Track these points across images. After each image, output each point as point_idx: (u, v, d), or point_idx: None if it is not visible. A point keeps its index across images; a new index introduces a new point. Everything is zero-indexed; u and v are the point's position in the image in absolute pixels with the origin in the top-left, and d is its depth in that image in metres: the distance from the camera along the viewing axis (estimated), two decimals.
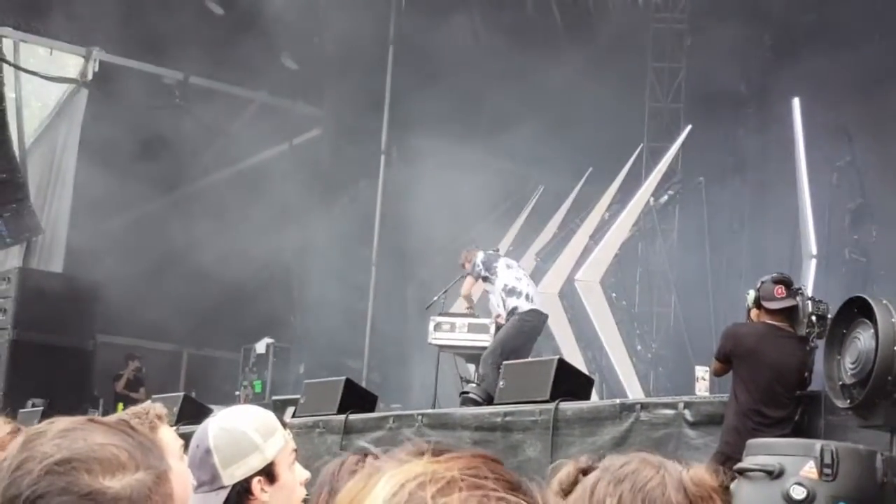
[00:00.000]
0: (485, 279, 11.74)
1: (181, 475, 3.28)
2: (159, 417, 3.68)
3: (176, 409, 11.60)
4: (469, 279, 12.05)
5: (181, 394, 12.59)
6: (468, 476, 1.23)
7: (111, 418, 1.69)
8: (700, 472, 1.73)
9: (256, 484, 2.96)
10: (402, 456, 1.29)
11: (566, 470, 1.76)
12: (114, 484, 1.55)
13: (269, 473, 2.99)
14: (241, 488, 2.94)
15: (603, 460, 1.79)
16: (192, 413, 11.73)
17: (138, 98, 17.19)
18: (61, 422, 1.63)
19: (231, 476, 2.94)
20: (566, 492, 1.74)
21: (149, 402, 4.04)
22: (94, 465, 1.55)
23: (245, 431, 3.02)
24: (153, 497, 1.59)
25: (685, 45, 18.35)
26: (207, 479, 2.94)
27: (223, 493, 2.93)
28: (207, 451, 2.95)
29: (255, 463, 2.98)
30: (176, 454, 3.45)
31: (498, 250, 12.68)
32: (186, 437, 10.01)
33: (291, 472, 3.06)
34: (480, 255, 11.74)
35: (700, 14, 17.92)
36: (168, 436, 3.57)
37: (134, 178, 16.65)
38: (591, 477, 1.73)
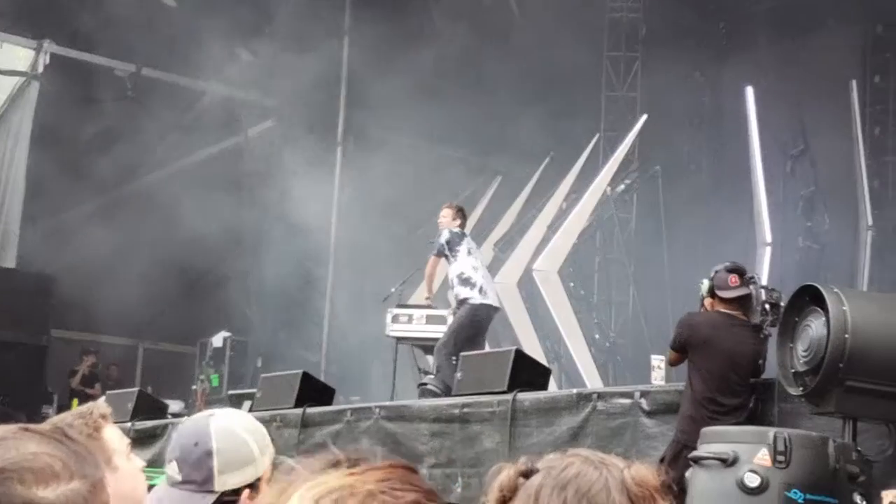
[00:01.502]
0: (445, 257, 11.62)
1: (131, 475, 3.23)
2: (103, 417, 3.61)
3: (131, 405, 11.54)
4: (433, 258, 11.90)
5: (136, 389, 12.50)
6: (386, 488, 1.22)
7: (45, 426, 1.66)
8: (642, 472, 1.71)
9: (245, 496, 2.93)
10: (316, 468, 1.28)
11: (506, 474, 1.70)
12: (48, 494, 1.52)
13: (255, 487, 2.96)
14: (228, 498, 2.91)
15: (543, 461, 1.77)
16: (147, 408, 11.68)
17: (90, 91, 17.05)
18: None
19: (224, 483, 2.90)
20: (507, 498, 1.72)
21: (93, 402, 3.98)
22: (27, 475, 1.52)
23: (247, 441, 2.98)
24: None
25: (641, 34, 18.40)
26: (199, 479, 2.90)
27: (210, 498, 2.89)
28: (208, 453, 2.90)
29: (249, 475, 2.95)
30: (123, 453, 3.40)
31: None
32: (142, 433, 9.94)
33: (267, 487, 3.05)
34: (447, 234, 11.59)
35: (655, 3, 17.99)
36: (114, 435, 3.51)
37: (87, 171, 16.51)
38: (534, 482, 1.68)
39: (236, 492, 2.92)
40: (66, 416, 3.15)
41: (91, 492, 1.56)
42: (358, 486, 1.21)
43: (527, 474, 1.71)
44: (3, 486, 1.50)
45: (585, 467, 1.68)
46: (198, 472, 2.90)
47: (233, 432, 2.99)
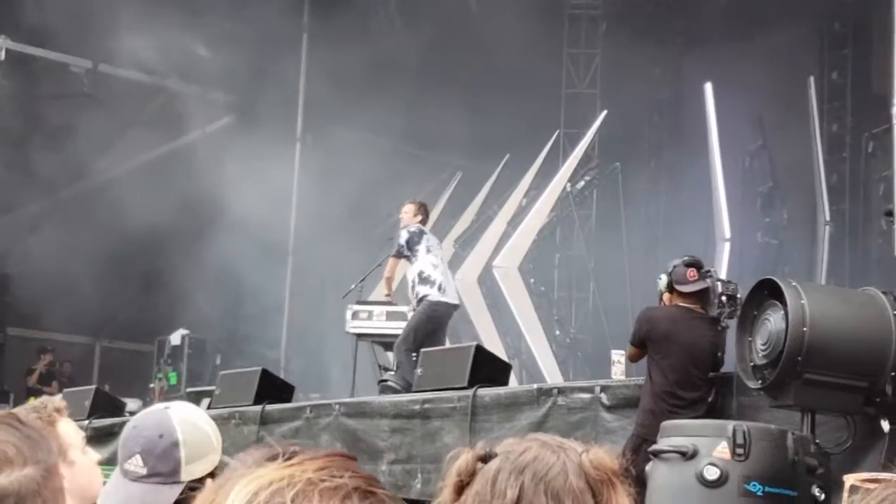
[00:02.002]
0: (405, 258, 11.61)
1: (87, 469, 3.20)
2: (58, 411, 3.58)
3: (88, 403, 11.46)
4: (392, 260, 11.87)
5: (93, 387, 12.40)
6: (326, 476, 1.20)
7: None
8: (599, 455, 1.70)
9: (208, 485, 2.91)
10: (253, 461, 1.26)
11: (464, 458, 1.71)
12: (1, 480, 1.50)
13: (214, 476, 2.95)
14: (194, 487, 2.89)
15: (501, 445, 1.75)
16: (104, 406, 11.60)
17: (46, 87, 16.89)
18: None
19: (190, 473, 2.89)
20: (465, 483, 1.70)
21: (47, 397, 3.94)
22: None
23: (208, 432, 2.99)
24: (42, 492, 1.54)
25: (600, 31, 18.46)
26: (167, 471, 2.87)
27: (177, 488, 2.87)
28: (175, 444, 2.88)
29: (210, 464, 2.95)
30: (78, 447, 3.36)
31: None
32: (99, 431, 9.84)
33: None
34: (405, 235, 11.56)
35: (614, 0, 18.05)
36: (69, 429, 3.47)
37: (43, 169, 16.36)
38: (492, 466, 1.68)
39: (198, 481, 2.90)
40: (19, 410, 3.11)
41: (45, 477, 1.54)
42: (297, 475, 1.19)
43: (485, 459, 1.69)
44: None
45: (543, 451, 1.67)
46: (165, 464, 2.87)
47: (194, 423, 2.98)
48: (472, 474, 1.69)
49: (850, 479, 2.46)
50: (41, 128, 16.33)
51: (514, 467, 1.66)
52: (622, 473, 1.73)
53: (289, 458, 1.23)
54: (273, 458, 1.24)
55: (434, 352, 10.00)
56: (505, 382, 9.27)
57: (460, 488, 1.68)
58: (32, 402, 3.64)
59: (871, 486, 2.16)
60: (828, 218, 15.56)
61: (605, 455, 1.70)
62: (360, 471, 1.24)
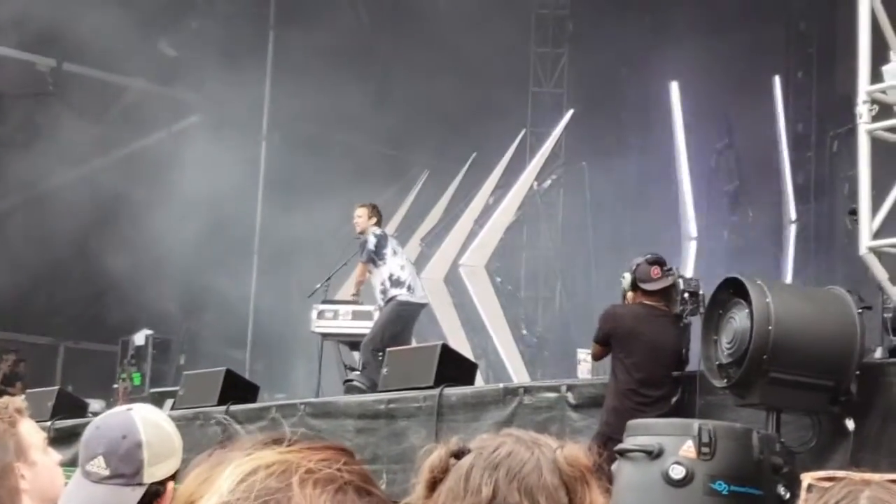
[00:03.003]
0: (373, 262, 11.60)
1: (48, 469, 3.16)
2: (19, 411, 3.54)
3: (51, 404, 11.36)
4: (362, 266, 11.85)
5: (56, 388, 12.31)
6: (324, 467, 1.18)
7: None
8: (574, 451, 1.69)
9: (171, 487, 2.89)
10: (252, 444, 1.23)
11: (437, 454, 1.71)
12: None
13: (175, 478, 2.93)
14: (155, 489, 2.86)
15: (474, 441, 1.73)
16: (67, 407, 11.51)
17: (10, 86, 16.74)
18: None
19: (151, 475, 2.86)
20: (438, 479, 1.68)
21: (8, 397, 3.88)
22: None
23: (170, 433, 2.97)
24: None
25: (567, 30, 18.49)
26: (129, 472, 2.84)
27: (140, 490, 2.84)
28: (138, 445, 2.85)
29: (172, 466, 2.93)
30: (39, 447, 3.32)
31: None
32: (62, 432, 9.75)
33: None
34: (373, 239, 11.56)
35: (582, 0, 18.08)
36: (30, 429, 3.43)
37: (6, 168, 16.21)
38: (465, 462, 1.68)
39: (160, 483, 2.88)
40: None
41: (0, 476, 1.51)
42: (295, 462, 1.17)
43: (458, 455, 1.68)
44: None
45: (517, 447, 1.66)
46: (127, 465, 2.84)
47: (157, 424, 2.96)
48: (444, 470, 1.68)
49: (807, 478, 2.46)
50: (6, 126, 16.18)
51: (488, 464, 1.65)
52: (595, 470, 1.72)
53: (290, 445, 1.21)
54: (275, 442, 1.22)
55: (400, 351, 9.98)
56: (471, 382, 9.26)
57: (433, 484, 1.67)
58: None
59: (828, 484, 2.15)
60: (793, 217, 15.64)
61: (580, 451, 1.69)
62: (360, 467, 1.22)
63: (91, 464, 2.87)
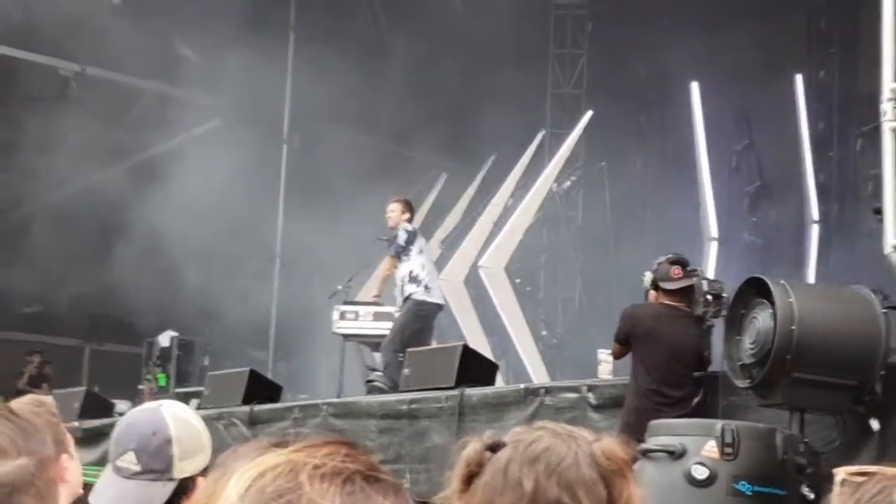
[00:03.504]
0: (399, 258, 11.65)
1: (77, 465, 3.20)
2: (53, 414, 3.59)
3: (78, 405, 11.44)
4: (389, 259, 11.89)
5: (83, 389, 12.39)
6: (328, 461, 1.20)
7: None
8: (610, 444, 1.69)
9: (199, 483, 2.92)
10: (255, 449, 1.26)
11: (472, 448, 1.70)
12: None
13: (204, 474, 2.96)
14: (185, 485, 2.90)
15: (509, 434, 1.72)
16: (95, 408, 11.60)
17: (34, 90, 16.83)
18: None
19: (181, 470, 2.89)
20: (474, 473, 1.68)
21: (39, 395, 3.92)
22: None
23: (199, 429, 3.00)
24: (36, 483, 1.54)
25: (586, 31, 18.48)
26: (160, 467, 2.88)
27: (170, 486, 2.87)
28: (168, 441, 2.89)
29: (201, 462, 2.96)
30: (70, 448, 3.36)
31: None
32: (89, 432, 9.81)
33: None
34: (404, 235, 11.62)
35: (600, 0, 18.06)
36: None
37: (31, 172, 16.31)
38: (503, 456, 1.67)
39: (190, 479, 2.91)
40: (15, 404, 3.11)
41: (38, 468, 1.55)
42: (299, 461, 1.19)
43: (493, 448, 1.68)
44: None
45: (554, 441, 1.66)
46: (158, 461, 2.87)
47: (186, 420, 2.99)
48: (480, 464, 1.67)
49: (840, 473, 2.45)
50: (31, 131, 16.26)
51: (526, 458, 1.64)
52: (631, 464, 1.72)
53: (290, 446, 1.23)
54: (277, 445, 1.24)
55: (421, 352, 10.00)
56: (492, 382, 9.28)
57: (469, 479, 1.67)
58: (28, 398, 3.63)
59: (861, 479, 2.15)
60: (816, 217, 15.58)
61: (617, 445, 1.69)
62: (363, 457, 1.24)
63: (122, 459, 2.90)
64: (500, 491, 1.63)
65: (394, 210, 11.85)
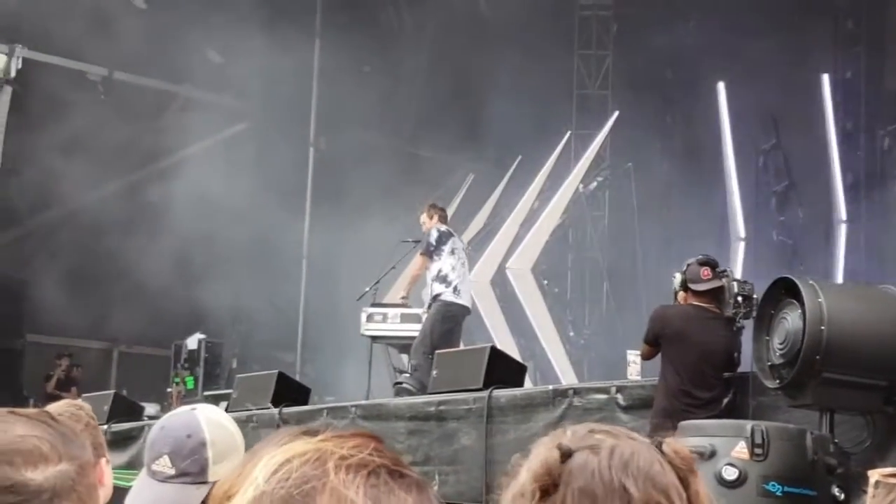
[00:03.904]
0: (430, 257, 11.67)
1: (109, 472, 3.23)
2: (92, 418, 3.64)
3: (107, 408, 11.49)
4: (420, 258, 11.92)
5: (112, 392, 12.45)
6: (355, 453, 1.22)
7: (32, 410, 1.66)
8: (678, 445, 1.62)
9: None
10: (284, 436, 1.28)
11: (549, 455, 1.59)
12: (36, 476, 1.52)
13: None
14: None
15: (569, 438, 1.62)
16: (123, 411, 11.64)
17: (63, 95, 16.93)
18: None
19: (216, 474, 2.89)
20: (555, 482, 1.57)
21: (74, 399, 3.98)
22: (15, 457, 1.52)
23: (233, 432, 3.01)
24: (76, 488, 1.56)
25: (611, 32, 18.46)
26: (195, 471, 2.89)
27: (204, 489, 2.87)
28: (203, 444, 2.90)
29: (234, 465, 2.96)
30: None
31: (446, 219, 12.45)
32: (118, 435, 9.86)
33: None
34: (435, 234, 11.65)
35: (626, 0, 18.04)
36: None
37: (60, 176, 16.42)
38: (588, 462, 1.58)
39: None
40: (53, 409, 3.14)
41: (79, 473, 1.56)
42: (327, 450, 1.21)
43: (568, 454, 1.60)
44: None
45: (628, 443, 1.60)
46: (192, 464, 2.89)
47: (220, 423, 3.01)
48: (560, 473, 1.58)
49: (874, 475, 2.44)
50: (60, 135, 16.37)
51: (617, 463, 1.58)
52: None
53: (320, 436, 1.25)
54: (307, 434, 1.26)
55: (449, 353, 10.01)
56: (520, 384, 9.26)
57: (547, 489, 1.59)
58: (65, 402, 3.67)
59: (895, 480, 2.14)
60: (844, 216, 15.53)
61: (682, 444, 1.66)
62: (390, 452, 1.25)
63: (157, 463, 2.92)
64: (604, 497, 1.56)
65: (423, 220, 11.98)
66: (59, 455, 1.55)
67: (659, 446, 1.62)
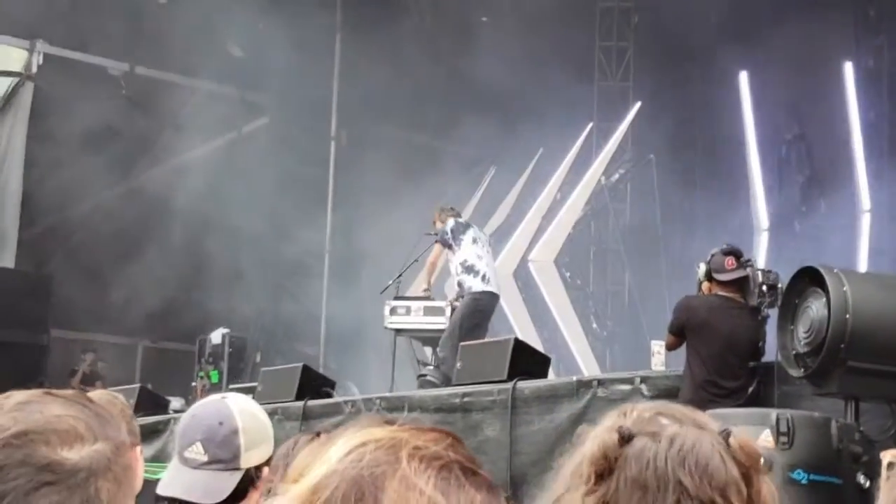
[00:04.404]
0: (448, 247, 11.71)
1: (141, 461, 3.27)
2: (127, 406, 3.69)
3: (133, 401, 11.53)
4: (437, 247, 11.98)
5: (137, 385, 12.51)
6: (431, 445, 1.23)
7: (68, 391, 1.68)
8: (745, 439, 1.60)
9: (267, 472, 2.99)
10: (367, 421, 1.30)
11: (608, 437, 1.57)
12: (72, 455, 1.55)
13: (268, 464, 3.02)
14: (251, 475, 2.96)
15: (630, 419, 1.61)
16: (149, 405, 11.69)
17: (84, 90, 17.00)
18: (17, 395, 1.63)
19: (248, 460, 2.95)
20: (613, 467, 1.56)
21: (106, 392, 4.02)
22: (51, 436, 1.54)
23: (263, 420, 3.06)
24: (112, 468, 1.58)
25: (632, 23, 18.42)
26: (227, 457, 2.93)
27: (237, 475, 2.93)
28: (235, 431, 2.95)
29: (266, 452, 3.03)
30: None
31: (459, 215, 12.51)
32: (144, 428, 9.87)
33: None
34: (451, 223, 11.69)
35: None
36: None
37: (83, 171, 16.49)
38: (645, 450, 1.56)
39: (256, 468, 2.96)
40: (95, 394, 3.18)
41: (115, 453, 1.59)
42: (404, 438, 1.23)
43: (627, 438, 1.58)
44: (29, 448, 1.52)
45: (693, 433, 1.57)
46: (225, 451, 2.92)
47: (251, 411, 3.05)
48: (616, 457, 1.57)
49: (887, 456, 2.45)
50: (81, 130, 16.44)
51: (674, 454, 1.55)
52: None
53: (400, 426, 1.27)
54: (386, 422, 1.28)
55: (473, 345, 10.02)
56: (544, 375, 9.28)
57: (603, 473, 1.57)
58: (100, 391, 3.72)
59: None
60: (867, 206, 15.47)
61: (749, 439, 1.61)
62: (466, 450, 1.27)
63: (189, 450, 2.96)
64: (655, 489, 1.53)
65: (436, 225, 12.08)
66: (95, 435, 1.57)
67: (726, 438, 1.58)
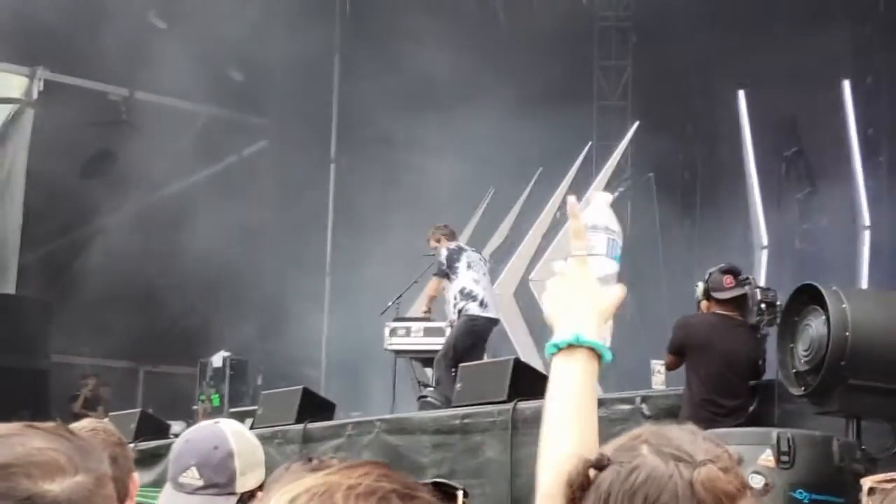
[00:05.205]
0: (446, 277, 11.70)
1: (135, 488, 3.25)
2: (112, 434, 3.65)
3: (133, 426, 11.53)
4: (434, 280, 11.98)
5: (138, 410, 12.50)
6: (363, 481, 1.23)
7: (49, 423, 1.68)
8: (713, 474, 1.56)
9: (259, 497, 2.97)
10: (293, 471, 1.30)
11: (575, 466, 1.59)
12: (53, 487, 1.54)
13: (262, 488, 3.01)
14: (245, 499, 2.95)
15: (612, 447, 1.62)
16: (150, 429, 11.68)
17: (85, 116, 17.04)
18: None
19: (243, 484, 2.93)
20: (578, 497, 1.58)
21: (95, 420, 4.00)
22: (32, 469, 1.54)
23: (256, 444, 3.06)
24: (93, 499, 1.58)
25: (631, 42, 18.43)
26: (223, 481, 2.91)
27: (232, 500, 2.91)
28: (230, 455, 2.93)
29: (260, 476, 3.01)
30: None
31: (457, 239, 12.50)
32: (145, 453, 9.89)
33: None
34: (444, 252, 11.67)
35: (644, 10, 18.01)
36: None
37: (84, 196, 16.52)
38: (604, 483, 1.56)
39: (251, 493, 2.95)
40: (78, 424, 3.17)
41: (96, 485, 1.58)
42: (335, 482, 1.22)
43: (597, 465, 1.59)
44: (10, 481, 1.51)
45: (656, 466, 1.57)
46: (220, 475, 2.91)
47: (244, 435, 3.05)
48: (584, 486, 1.58)
49: (867, 482, 2.43)
50: (82, 156, 16.48)
51: (625, 489, 1.55)
52: (738, 493, 1.60)
53: (326, 468, 1.26)
54: (314, 468, 1.27)
55: (473, 366, 10.01)
56: (544, 395, 9.24)
57: (573, 501, 1.59)
58: (84, 423, 3.70)
59: (889, 486, 2.11)
60: (867, 223, 15.46)
61: (721, 475, 1.58)
62: (400, 475, 1.26)
63: (184, 475, 2.93)
64: None
65: (432, 245, 12.05)
66: (76, 467, 1.57)
67: (700, 473, 1.55)
